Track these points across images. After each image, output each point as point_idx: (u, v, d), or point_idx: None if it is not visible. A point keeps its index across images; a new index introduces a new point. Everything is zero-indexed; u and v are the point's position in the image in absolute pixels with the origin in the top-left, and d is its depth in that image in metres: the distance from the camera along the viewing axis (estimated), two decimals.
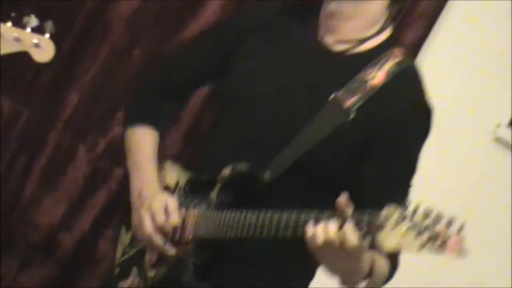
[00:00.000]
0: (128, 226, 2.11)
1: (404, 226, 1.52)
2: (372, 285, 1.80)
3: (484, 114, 3.13)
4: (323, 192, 1.85)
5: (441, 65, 3.03)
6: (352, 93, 1.86)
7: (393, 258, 1.83)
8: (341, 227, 1.60)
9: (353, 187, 1.76)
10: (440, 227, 1.50)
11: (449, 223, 1.49)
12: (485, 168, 3.15)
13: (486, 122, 3.13)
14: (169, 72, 2.22)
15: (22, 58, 2.39)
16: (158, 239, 1.92)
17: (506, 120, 3.17)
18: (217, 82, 2.08)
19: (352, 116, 1.84)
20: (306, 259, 1.88)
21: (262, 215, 1.76)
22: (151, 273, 2.02)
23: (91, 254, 3.01)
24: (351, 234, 1.57)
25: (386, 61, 1.89)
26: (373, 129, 1.84)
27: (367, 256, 1.69)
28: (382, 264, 1.79)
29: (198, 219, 1.94)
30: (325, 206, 1.70)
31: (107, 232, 2.98)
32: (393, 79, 1.87)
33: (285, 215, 1.71)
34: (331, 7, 1.87)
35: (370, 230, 1.57)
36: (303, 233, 1.66)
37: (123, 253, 2.12)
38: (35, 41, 2.04)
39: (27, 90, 2.95)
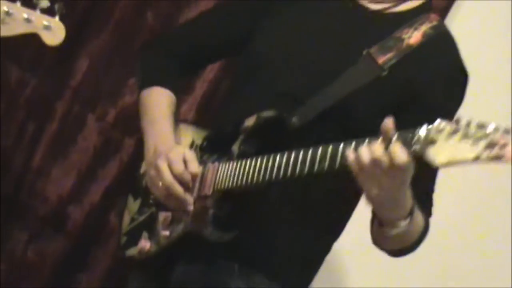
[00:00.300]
0: (136, 194, 2.14)
1: (457, 137, 1.51)
2: (409, 234, 1.78)
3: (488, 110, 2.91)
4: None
5: None
6: (387, 50, 1.89)
7: (426, 218, 1.83)
8: (386, 148, 1.57)
9: None
10: (496, 135, 1.48)
11: (507, 131, 1.47)
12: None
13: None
14: (191, 35, 2.20)
15: None
16: (177, 187, 1.90)
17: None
18: (239, 52, 2.10)
19: (386, 72, 1.87)
20: (330, 222, 1.93)
21: (293, 153, 1.74)
22: (165, 232, 2.01)
23: (102, 227, 2.99)
24: (400, 150, 1.54)
25: (422, 23, 1.92)
26: (408, 87, 1.86)
27: (409, 193, 1.67)
28: (420, 216, 1.78)
29: (219, 171, 1.93)
30: None
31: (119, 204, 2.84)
32: (430, 41, 1.90)
33: (320, 148, 1.69)
34: None
35: (419, 146, 1.54)
36: (341, 163, 1.64)
37: (132, 220, 2.13)
38: (46, 23, 2.04)
39: (34, 57, 2.92)
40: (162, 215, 2.05)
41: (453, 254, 3.09)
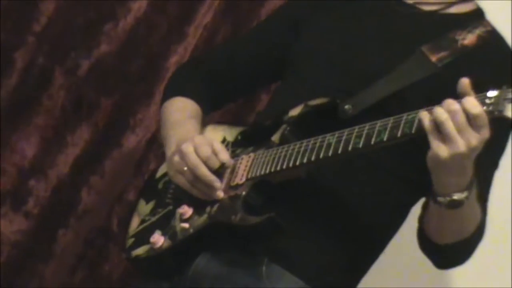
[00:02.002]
0: (149, 197, 2.15)
1: None
2: (466, 215, 1.84)
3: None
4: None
5: None
6: (441, 48, 1.99)
7: (483, 212, 1.91)
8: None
9: None
10: None
11: None
12: None
13: None
14: (222, 64, 2.25)
15: None
16: (204, 169, 1.92)
17: None
18: (277, 78, 2.20)
19: (440, 69, 1.97)
20: (377, 230, 1.97)
21: (346, 130, 1.80)
22: (185, 225, 2.00)
23: (72, 206, 2.72)
24: (474, 101, 1.65)
25: (476, 27, 2.02)
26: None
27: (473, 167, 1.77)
28: (477, 205, 1.86)
29: (254, 160, 1.96)
30: (404, 154, 1.90)
31: (93, 179, 2.70)
32: (486, 44, 2.00)
33: (379, 121, 1.77)
34: None
35: (496, 103, 1.64)
36: (417, 128, 1.72)
37: (142, 222, 2.13)
38: None
39: None
40: (181, 210, 2.02)
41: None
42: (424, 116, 1.69)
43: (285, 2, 2.50)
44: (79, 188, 2.66)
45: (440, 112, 1.67)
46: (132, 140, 2.70)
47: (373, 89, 1.97)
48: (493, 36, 2.05)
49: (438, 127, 1.67)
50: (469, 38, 2.01)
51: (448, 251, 1.91)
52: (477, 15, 2.08)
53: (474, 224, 1.90)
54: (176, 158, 1.96)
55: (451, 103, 1.67)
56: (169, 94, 2.24)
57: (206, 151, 1.93)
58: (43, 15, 2.59)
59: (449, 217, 1.82)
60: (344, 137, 1.80)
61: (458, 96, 1.73)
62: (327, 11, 2.14)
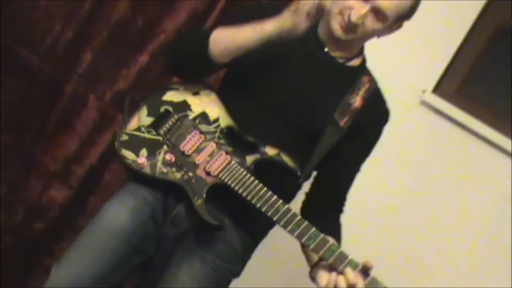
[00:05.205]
0: (150, 112, 2.13)
1: None
2: None
3: (413, 81, 3.23)
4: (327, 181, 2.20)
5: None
6: (344, 114, 2.13)
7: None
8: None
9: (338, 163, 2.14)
10: None
11: None
12: (411, 128, 3.25)
13: (414, 88, 3.25)
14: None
15: (47, 26, 2.78)
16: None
17: (431, 87, 3.26)
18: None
19: (345, 132, 2.15)
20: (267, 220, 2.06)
21: (296, 216, 1.94)
22: (164, 169, 2.04)
23: (98, 182, 3.11)
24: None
25: (360, 88, 2.17)
26: (355, 132, 2.18)
27: None
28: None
29: (229, 165, 2.04)
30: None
31: (112, 166, 3.07)
32: (367, 102, 2.18)
33: (313, 229, 1.92)
34: (341, 36, 2.12)
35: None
36: (324, 255, 1.89)
37: (138, 129, 2.13)
38: None
39: (50, 48, 3.02)
40: (167, 157, 2.05)
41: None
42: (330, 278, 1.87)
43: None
44: (103, 171, 3.08)
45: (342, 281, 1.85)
46: None
47: (314, 158, 2.11)
48: (371, 92, 2.18)
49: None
50: (358, 101, 2.14)
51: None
52: (364, 67, 2.23)
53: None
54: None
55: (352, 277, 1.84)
56: (206, 34, 2.07)
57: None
58: (84, 62, 3.06)
59: None
60: (289, 216, 1.95)
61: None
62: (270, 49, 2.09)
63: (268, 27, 1.96)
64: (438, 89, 3.29)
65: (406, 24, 2.69)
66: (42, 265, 3.10)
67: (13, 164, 3.06)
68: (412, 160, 3.25)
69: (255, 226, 2.17)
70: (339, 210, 2.20)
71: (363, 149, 2.17)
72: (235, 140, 2.08)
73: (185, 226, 2.08)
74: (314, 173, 2.26)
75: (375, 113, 2.18)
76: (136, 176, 2.08)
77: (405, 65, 3.20)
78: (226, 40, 2.04)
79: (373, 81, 2.20)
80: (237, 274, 2.18)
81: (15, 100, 3.03)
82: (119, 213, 2.07)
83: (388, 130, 2.86)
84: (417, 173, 3.26)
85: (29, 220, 3.09)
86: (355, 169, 2.21)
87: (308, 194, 2.24)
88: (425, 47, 3.20)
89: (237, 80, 2.14)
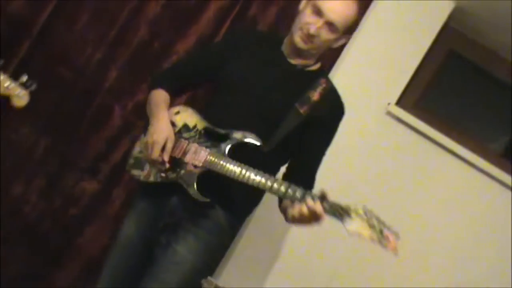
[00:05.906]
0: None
1: (365, 220, 1.98)
2: None
3: (379, 94, 3.40)
4: (290, 156, 2.49)
5: (351, 55, 3.34)
6: (304, 104, 2.43)
7: None
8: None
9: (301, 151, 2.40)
10: (387, 231, 1.95)
11: (396, 235, 1.96)
12: (378, 136, 3.39)
13: (380, 100, 3.41)
14: (181, 70, 2.60)
15: (81, 48, 3.15)
16: (156, 153, 2.25)
17: (394, 100, 3.45)
18: (214, 79, 2.48)
19: (303, 117, 2.42)
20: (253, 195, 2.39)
21: (271, 178, 2.21)
22: (163, 174, 2.36)
23: (120, 177, 3.50)
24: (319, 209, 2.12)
25: (317, 87, 2.47)
26: (317, 120, 2.46)
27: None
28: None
29: (211, 156, 2.33)
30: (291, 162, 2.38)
31: None
32: (324, 97, 2.48)
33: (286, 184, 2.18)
34: (302, 46, 2.44)
35: (341, 215, 2.09)
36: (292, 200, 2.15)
37: (140, 152, 2.50)
38: (18, 93, 2.39)
39: (83, 66, 3.41)
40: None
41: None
42: (294, 208, 2.11)
43: (219, 41, 3.05)
44: (124, 168, 2.88)
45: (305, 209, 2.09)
46: None
47: (279, 132, 2.36)
48: (327, 90, 2.43)
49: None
50: (316, 95, 2.42)
51: None
52: (323, 71, 2.52)
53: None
54: (150, 139, 2.24)
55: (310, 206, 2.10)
56: (152, 86, 2.53)
57: (157, 151, 2.24)
58: (110, 78, 3.48)
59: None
60: (264, 180, 2.22)
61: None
62: (243, 55, 2.42)
63: (152, 121, 2.41)
64: (400, 101, 3.46)
65: (374, 46, 3.20)
66: (75, 245, 3.47)
67: (51, 161, 3.46)
68: (378, 165, 3.39)
69: (236, 206, 2.50)
70: (310, 188, 2.44)
71: (324, 135, 2.46)
72: (211, 136, 2.38)
73: (179, 214, 2.42)
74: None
75: (331, 105, 2.47)
76: (143, 183, 2.50)
77: (372, 80, 3.39)
78: (148, 103, 2.51)
79: (329, 82, 2.51)
80: (225, 245, 2.53)
81: (52, 109, 3.41)
82: (128, 232, 2.53)
83: (356, 138, 3.24)
84: (382, 176, 3.38)
85: (64, 207, 3.48)
86: (320, 152, 2.51)
87: (283, 176, 2.58)
88: (389, 65, 3.37)
89: (217, 89, 2.54)
